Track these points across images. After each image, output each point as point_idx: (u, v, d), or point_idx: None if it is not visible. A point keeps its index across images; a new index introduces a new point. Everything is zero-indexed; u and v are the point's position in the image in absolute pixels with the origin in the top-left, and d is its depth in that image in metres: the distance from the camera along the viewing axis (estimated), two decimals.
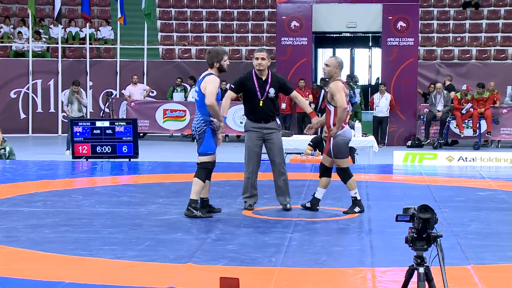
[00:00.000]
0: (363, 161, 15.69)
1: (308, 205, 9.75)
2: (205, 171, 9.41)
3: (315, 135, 16.38)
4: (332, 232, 8.71)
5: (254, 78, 9.67)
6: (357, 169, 13.94)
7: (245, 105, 9.86)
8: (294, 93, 9.95)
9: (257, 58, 9.64)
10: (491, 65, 23.28)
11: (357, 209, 9.60)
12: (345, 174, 9.60)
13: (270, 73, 9.72)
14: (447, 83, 21.48)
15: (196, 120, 9.57)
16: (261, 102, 9.62)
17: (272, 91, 9.64)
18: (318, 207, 9.69)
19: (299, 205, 9.97)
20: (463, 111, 20.07)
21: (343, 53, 27.42)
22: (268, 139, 9.70)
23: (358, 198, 9.65)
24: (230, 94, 9.82)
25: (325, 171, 9.72)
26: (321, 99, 20.26)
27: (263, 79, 9.65)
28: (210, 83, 9.31)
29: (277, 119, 9.83)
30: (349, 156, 10.00)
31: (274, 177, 9.77)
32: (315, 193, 9.77)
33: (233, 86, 9.95)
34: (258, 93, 9.62)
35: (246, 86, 9.70)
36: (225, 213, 9.61)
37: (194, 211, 9.27)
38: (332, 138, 9.48)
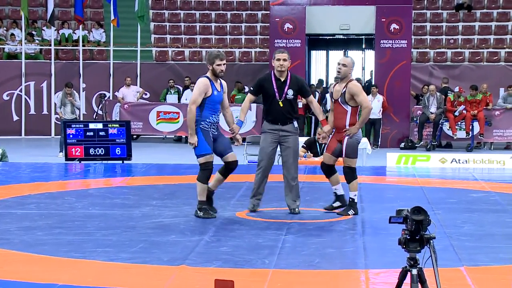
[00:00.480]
0: (356, 163, 15.67)
1: (336, 205, 9.79)
2: (204, 172, 9.40)
3: (308, 137, 16.40)
4: (325, 234, 8.72)
5: (273, 79, 9.64)
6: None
7: (264, 106, 9.89)
8: (311, 98, 9.94)
9: (278, 60, 9.58)
10: (484, 67, 23.33)
11: (351, 211, 9.61)
12: (353, 174, 9.62)
13: (290, 75, 9.68)
14: (444, 85, 21.51)
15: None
16: (280, 103, 9.58)
17: (290, 93, 9.60)
18: (346, 202, 9.72)
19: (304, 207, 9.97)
20: (456, 113, 20.10)
21: (336, 56, 27.42)
22: (283, 142, 9.68)
23: (356, 200, 9.65)
24: (249, 97, 9.87)
25: (329, 170, 9.73)
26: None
27: (282, 80, 9.61)
28: (196, 86, 9.41)
29: (295, 122, 9.76)
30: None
31: (285, 180, 9.74)
32: (335, 192, 9.81)
33: (251, 88, 9.96)
34: (277, 94, 9.59)
35: (264, 87, 9.69)
36: (219, 215, 9.60)
37: (198, 211, 9.41)
38: (347, 138, 9.48)
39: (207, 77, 9.43)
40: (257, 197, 9.81)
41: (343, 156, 9.58)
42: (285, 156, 9.69)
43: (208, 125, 9.39)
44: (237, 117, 9.90)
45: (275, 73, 9.64)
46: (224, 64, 9.49)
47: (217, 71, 9.43)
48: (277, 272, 6.87)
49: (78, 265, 7.12)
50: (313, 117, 20.09)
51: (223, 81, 9.67)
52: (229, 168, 9.61)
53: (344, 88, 9.41)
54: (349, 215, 9.57)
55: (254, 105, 20.77)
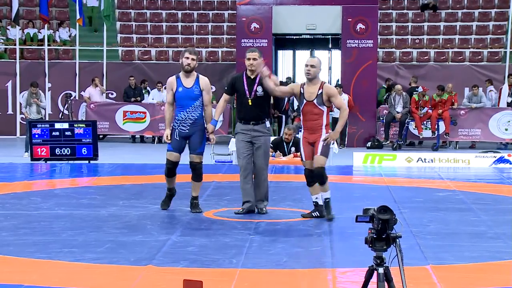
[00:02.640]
0: None
1: (317, 214, 9.47)
2: (165, 167, 9.83)
3: (275, 137, 16.43)
4: (292, 233, 8.73)
5: (244, 77, 9.67)
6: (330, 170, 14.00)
7: (236, 106, 9.91)
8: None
9: (249, 59, 9.62)
10: (449, 67, 23.51)
11: (316, 213, 9.51)
12: (324, 175, 9.44)
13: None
14: (413, 84, 21.62)
15: None
16: (249, 101, 9.59)
17: (260, 89, 9.59)
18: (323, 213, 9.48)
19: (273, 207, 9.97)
20: (421, 114, 20.23)
21: (302, 55, 27.48)
22: (255, 142, 9.67)
23: (320, 203, 9.53)
24: (224, 97, 9.91)
25: (312, 175, 9.47)
26: (285, 101, 20.35)
27: (252, 78, 9.63)
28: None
29: (267, 122, 9.73)
30: None
31: (255, 180, 9.72)
32: (316, 202, 9.51)
33: (226, 88, 10.00)
34: (247, 92, 9.61)
35: (235, 85, 9.73)
36: (185, 215, 9.59)
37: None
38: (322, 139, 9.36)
39: (177, 74, 9.67)
40: (246, 199, 9.73)
41: (320, 155, 9.36)
42: (255, 157, 9.69)
43: (176, 122, 9.51)
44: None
45: (247, 72, 9.66)
46: (192, 59, 9.61)
47: (183, 64, 9.65)
48: (245, 271, 6.87)
49: (44, 266, 7.07)
50: (283, 117, 20.10)
51: (202, 78, 9.72)
52: (191, 167, 9.73)
53: (320, 89, 9.33)
54: (313, 217, 9.44)
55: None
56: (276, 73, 23.21)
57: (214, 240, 8.20)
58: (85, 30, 23.72)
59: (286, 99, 20.41)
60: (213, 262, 7.19)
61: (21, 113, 21.47)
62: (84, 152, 15.66)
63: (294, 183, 12.70)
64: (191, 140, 9.64)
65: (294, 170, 14.37)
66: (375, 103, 21.38)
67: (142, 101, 21.79)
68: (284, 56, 27.40)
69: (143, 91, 22.41)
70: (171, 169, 9.76)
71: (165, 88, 21.79)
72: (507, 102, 21.03)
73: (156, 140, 21.70)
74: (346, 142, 20.82)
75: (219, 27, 25.78)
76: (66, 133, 15.64)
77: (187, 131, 9.57)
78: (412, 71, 22.93)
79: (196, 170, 9.71)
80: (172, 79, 9.70)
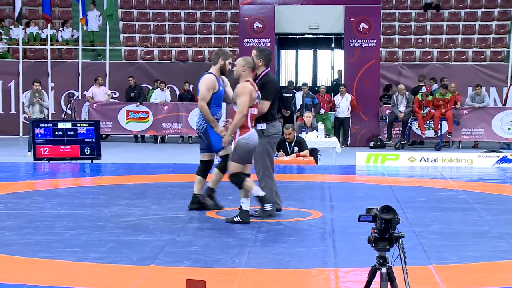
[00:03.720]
0: (326, 162, 15.75)
1: (238, 219, 9.04)
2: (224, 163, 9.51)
3: None
4: (295, 233, 8.73)
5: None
6: (320, 170, 14.03)
7: None
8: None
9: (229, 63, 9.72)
10: (451, 67, 23.50)
11: (237, 218, 9.02)
12: (236, 180, 9.07)
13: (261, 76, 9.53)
14: (419, 83, 21.50)
15: (198, 118, 9.66)
16: None
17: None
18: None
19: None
20: (424, 114, 20.23)
21: (305, 55, 27.49)
22: None
23: (244, 208, 9.04)
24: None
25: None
26: (294, 100, 20.46)
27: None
28: (203, 83, 9.46)
29: (260, 125, 9.36)
30: (246, 163, 9.15)
31: None
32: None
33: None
34: None
35: None
36: (188, 214, 9.59)
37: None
38: (237, 140, 9.06)
39: (212, 73, 9.53)
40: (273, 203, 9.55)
41: (230, 160, 9.14)
42: None
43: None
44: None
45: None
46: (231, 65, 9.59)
47: (225, 69, 9.58)
48: (247, 271, 6.87)
49: (47, 265, 7.07)
50: (282, 117, 20.13)
51: (224, 77, 9.72)
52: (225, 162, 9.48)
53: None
54: (234, 221, 8.99)
55: (224, 104, 20.73)
56: (278, 73, 23.23)
57: (217, 239, 8.20)
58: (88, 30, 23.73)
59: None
60: (216, 262, 7.18)
61: (24, 112, 21.49)
62: (87, 151, 15.66)
63: (297, 183, 12.69)
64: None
65: (297, 169, 14.37)
66: (377, 102, 21.37)
67: (143, 102, 21.73)
68: (287, 56, 27.41)
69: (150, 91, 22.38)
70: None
71: (167, 88, 21.92)
72: None
73: (158, 140, 21.71)
74: (349, 142, 20.82)
75: (222, 26, 25.78)
76: (69, 132, 15.64)
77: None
78: (415, 71, 22.93)
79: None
80: (214, 79, 9.45)
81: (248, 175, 9.12)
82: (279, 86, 9.62)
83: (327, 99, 20.83)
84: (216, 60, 9.61)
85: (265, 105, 9.33)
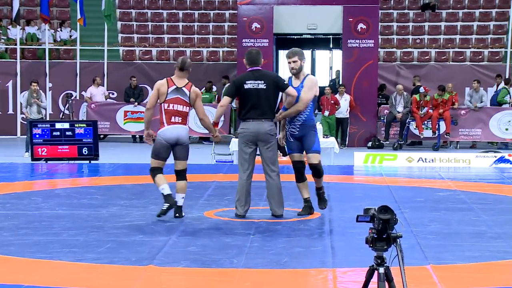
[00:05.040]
0: (324, 162, 15.70)
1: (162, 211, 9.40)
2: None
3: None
4: (293, 233, 8.73)
5: None
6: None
7: None
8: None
9: (289, 62, 9.66)
10: (450, 67, 23.51)
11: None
12: (151, 174, 9.49)
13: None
14: (417, 83, 21.60)
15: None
16: None
17: None
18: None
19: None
20: (421, 114, 20.24)
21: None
22: None
23: (165, 193, 9.34)
24: None
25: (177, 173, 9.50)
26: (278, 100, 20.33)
27: None
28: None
29: (240, 123, 9.78)
30: (159, 159, 9.44)
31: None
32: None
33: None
34: None
35: None
36: (186, 215, 9.59)
37: None
38: None
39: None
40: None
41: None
42: None
43: (286, 124, 9.68)
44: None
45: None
46: (293, 62, 9.58)
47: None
48: (246, 271, 6.87)
49: (45, 266, 7.07)
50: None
51: (309, 78, 9.64)
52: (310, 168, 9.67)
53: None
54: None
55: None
56: (276, 73, 23.20)
57: (215, 240, 8.21)
58: (86, 30, 23.70)
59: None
60: (214, 262, 7.18)
61: (21, 113, 21.47)
62: (85, 152, 15.66)
63: (295, 183, 12.68)
64: (305, 142, 9.56)
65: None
66: (376, 102, 21.38)
67: (141, 102, 21.73)
68: (285, 56, 27.39)
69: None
70: (299, 168, 9.63)
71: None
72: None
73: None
74: (347, 142, 20.82)
75: (220, 27, 25.78)
76: (67, 133, 15.64)
77: (297, 132, 9.55)
78: (413, 71, 22.94)
79: (315, 170, 9.59)
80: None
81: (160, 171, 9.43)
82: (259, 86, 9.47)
83: (332, 101, 20.57)
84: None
85: (222, 100, 9.63)
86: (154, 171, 9.43)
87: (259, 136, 9.41)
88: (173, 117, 9.36)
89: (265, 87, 9.41)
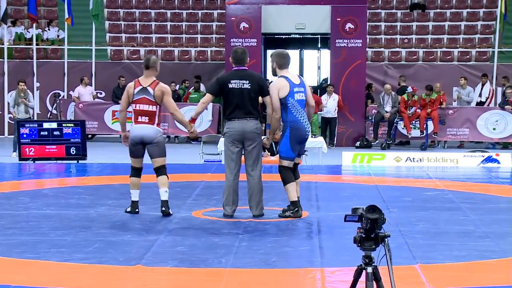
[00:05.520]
0: (312, 162, 15.76)
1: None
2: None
3: (264, 136, 16.38)
4: (281, 232, 8.73)
5: None
6: (306, 170, 14.02)
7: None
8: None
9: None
10: (437, 67, 23.58)
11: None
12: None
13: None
14: (402, 83, 21.66)
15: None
16: None
17: None
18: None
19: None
20: (409, 114, 20.29)
21: (292, 55, 27.49)
22: None
23: (132, 199, 9.75)
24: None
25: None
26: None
27: None
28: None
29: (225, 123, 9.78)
30: (133, 157, 9.80)
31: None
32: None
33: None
34: None
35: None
36: (174, 214, 9.57)
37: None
38: None
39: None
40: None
41: None
42: None
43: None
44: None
45: None
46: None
47: None
48: (234, 271, 6.87)
49: (32, 266, 7.05)
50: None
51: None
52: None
53: None
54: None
55: (210, 104, 20.73)
56: (265, 73, 23.23)
57: (203, 239, 8.20)
58: (74, 30, 23.64)
59: None
60: (202, 262, 7.18)
61: (9, 112, 21.41)
62: (73, 151, 15.62)
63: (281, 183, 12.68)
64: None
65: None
66: (364, 102, 21.41)
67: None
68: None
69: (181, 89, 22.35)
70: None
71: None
72: (477, 102, 21.26)
73: None
74: (335, 142, 20.84)
75: (208, 26, 25.76)
76: (55, 132, 15.60)
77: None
78: (401, 71, 22.99)
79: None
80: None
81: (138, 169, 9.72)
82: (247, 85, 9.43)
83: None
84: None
85: (204, 97, 9.68)
86: (131, 172, 9.78)
87: (245, 135, 9.39)
88: (139, 117, 9.61)
89: (249, 87, 9.38)
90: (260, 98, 9.57)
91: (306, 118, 9.53)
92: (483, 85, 21.51)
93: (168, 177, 9.64)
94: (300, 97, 9.44)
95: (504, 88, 21.17)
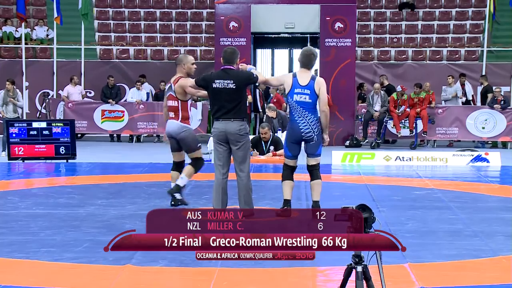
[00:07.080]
0: (301, 161, 15.74)
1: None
2: None
3: (254, 135, 16.42)
4: (271, 231, 8.70)
5: None
6: (296, 169, 14.01)
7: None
8: None
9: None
10: (426, 66, 23.63)
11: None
12: None
13: None
14: (386, 82, 21.71)
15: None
16: None
17: None
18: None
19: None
20: (399, 113, 20.32)
21: (281, 54, 27.51)
22: None
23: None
24: None
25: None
26: (258, 98, 20.39)
27: None
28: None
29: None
30: (172, 151, 10.26)
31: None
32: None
33: None
34: None
35: None
36: None
37: None
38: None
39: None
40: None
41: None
42: None
43: None
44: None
45: None
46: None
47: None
48: (224, 270, 6.86)
49: (22, 265, 7.03)
50: (258, 116, 20.11)
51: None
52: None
53: None
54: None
55: (200, 104, 20.72)
56: None
57: None
58: (63, 29, 23.59)
59: (258, 97, 20.36)
60: (192, 261, 7.15)
61: None
62: (62, 151, 15.58)
63: (273, 182, 12.69)
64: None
65: (273, 169, 14.38)
66: (353, 101, 21.44)
67: (119, 101, 21.66)
68: (263, 55, 27.40)
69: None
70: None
71: (140, 87, 21.86)
72: (462, 101, 21.37)
73: (134, 139, 21.65)
74: None
75: (198, 26, 25.75)
76: (44, 132, 15.56)
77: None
78: (390, 70, 23.03)
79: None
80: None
81: None
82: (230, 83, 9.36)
83: None
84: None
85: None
86: (172, 167, 10.23)
87: (228, 136, 9.31)
88: (169, 113, 10.02)
89: (234, 87, 9.28)
90: (249, 97, 9.61)
91: (307, 119, 9.53)
92: (461, 84, 21.58)
93: (195, 169, 10.05)
94: (300, 99, 9.39)
95: (482, 86, 21.33)
